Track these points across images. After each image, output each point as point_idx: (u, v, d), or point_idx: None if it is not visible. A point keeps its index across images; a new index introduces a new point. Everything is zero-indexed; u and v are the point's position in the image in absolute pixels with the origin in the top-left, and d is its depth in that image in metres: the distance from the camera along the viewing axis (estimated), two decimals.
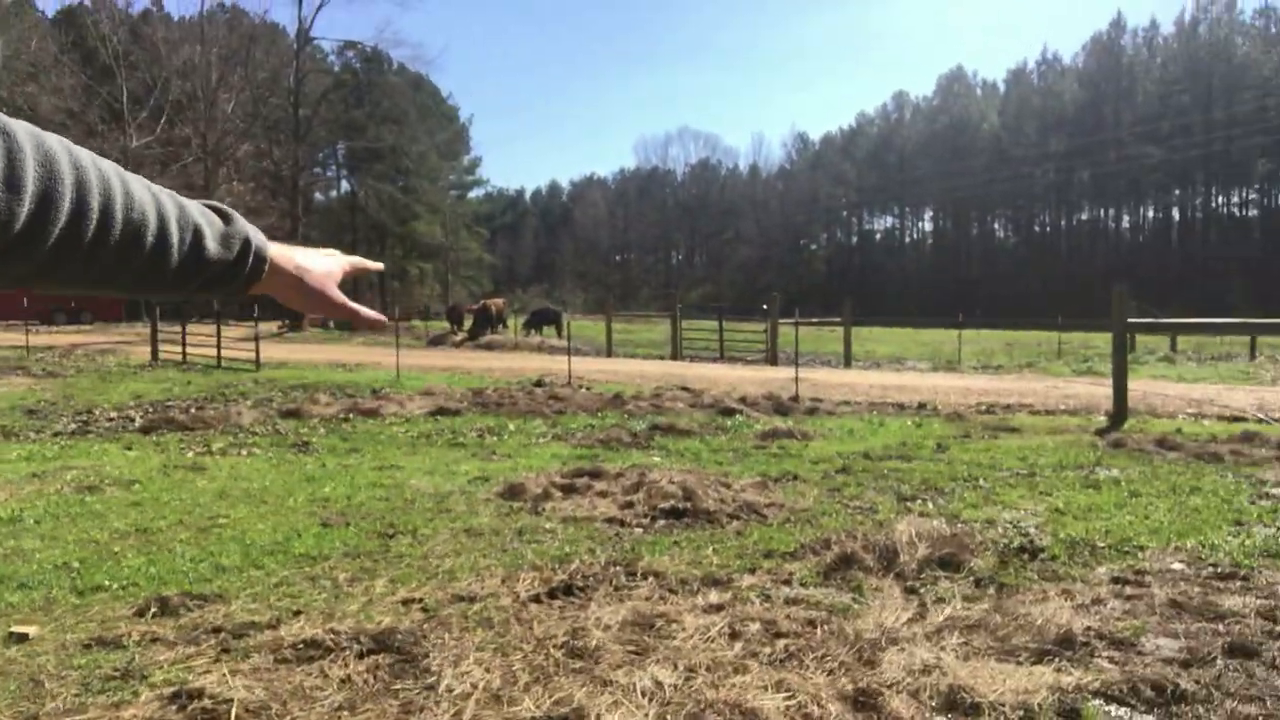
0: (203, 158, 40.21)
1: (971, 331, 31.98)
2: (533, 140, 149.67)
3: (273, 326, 35.75)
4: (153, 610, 3.89)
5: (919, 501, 6.20)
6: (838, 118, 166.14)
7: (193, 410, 11.29)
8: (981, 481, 6.87)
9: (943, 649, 3.39)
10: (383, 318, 1.18)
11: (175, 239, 0.89)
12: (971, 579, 4.35)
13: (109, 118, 41.92)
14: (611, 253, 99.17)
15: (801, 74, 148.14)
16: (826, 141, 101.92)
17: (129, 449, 8.52)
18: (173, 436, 9.38)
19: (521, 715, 2.95)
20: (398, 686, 3.18)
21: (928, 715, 2.90)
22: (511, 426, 9.98)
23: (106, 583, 4.29)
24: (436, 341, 30.24)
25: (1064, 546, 4.97)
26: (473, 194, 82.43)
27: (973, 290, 73.00)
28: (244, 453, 8.50)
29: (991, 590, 4.23)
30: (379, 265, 1.21)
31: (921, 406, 12.06)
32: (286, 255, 1.03)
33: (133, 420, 10.56)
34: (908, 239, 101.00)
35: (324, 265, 1.06)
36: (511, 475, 6.94)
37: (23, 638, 3.50)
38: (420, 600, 4.12)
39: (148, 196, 0.89)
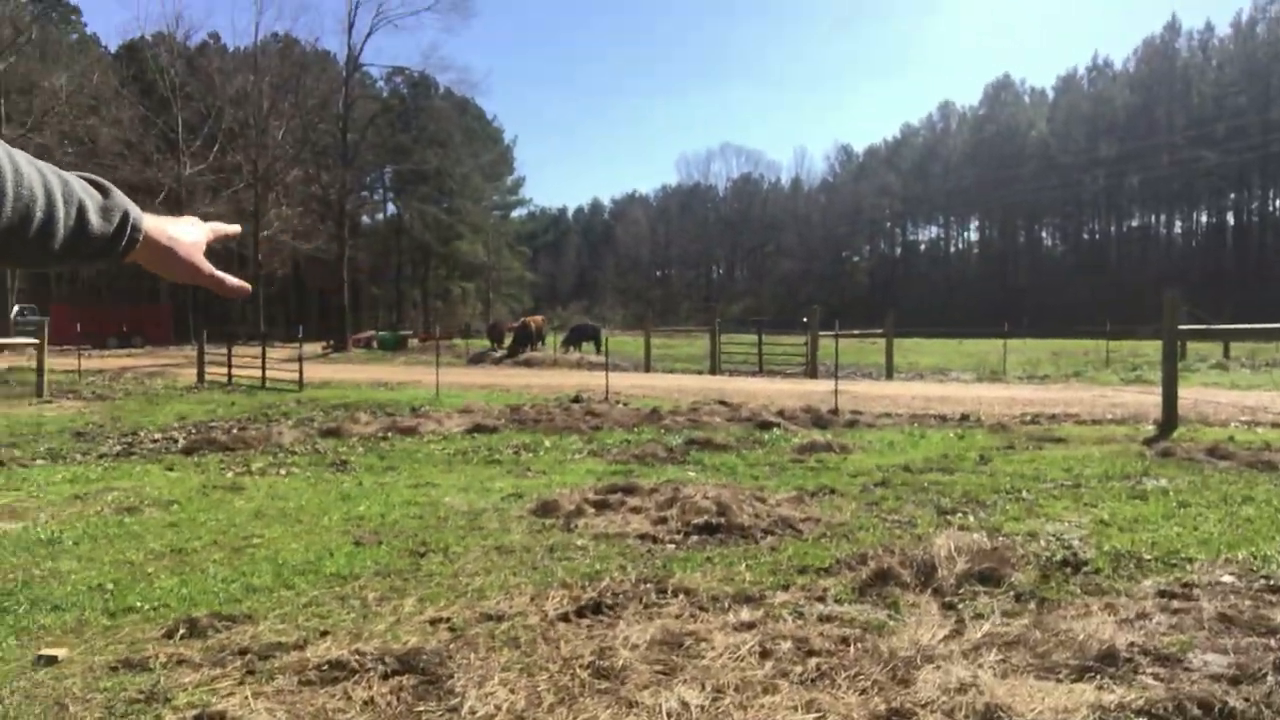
0: (253, 184, 41.14)
1: (1017, 341, 31.40)
2: (575, 159, 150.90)
3: (317, 347, 36.30)
4: (181, 631, 3.89)
5: (959, 515, 6.03)
6: (881, 130, 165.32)
7: (235, 431, 11.42)
8: (1025, 493, 6.68)
9: (980, 667, 3.26)
10: (247, 286, 1.20)
11: (61, 214, 0.92)
12: (1012, 594, 4.20)
13: (164, 147, 43.18)
14: (652, 269, 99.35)
15: (845, 88, 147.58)
16: (870, 153, 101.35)
17: (170, 470, 8.63)
18: (214, 457, 9.48)
19: None
20: (420, 709, 3.13)
21: None
22: (547, 443, 9.96)
23: (138, 604, 4.31)
24: (477, 359, 30.44)
25: (1108, 559, 4.79)
26: (516, 213, 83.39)
27: (1019, 299, 71.80)
28: (283, 472, 8.56)
29: (1032, 605, 4.07)
30: (236, 229, 1.25)
31: (964, 418, 11.81)
32: (159, 227, 1.06)
33: (176, 441, 10.71)
34: (953, 249, 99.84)
35: (192, 235, 1.10)
36: (545, 492, 6.89)
37: (52, 660, 3.51)
38: (448, 619, 4.07)
39: (34, 172, 0.90)
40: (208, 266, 1.10)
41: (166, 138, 43.66)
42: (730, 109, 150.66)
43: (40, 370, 16.90)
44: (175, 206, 42.18)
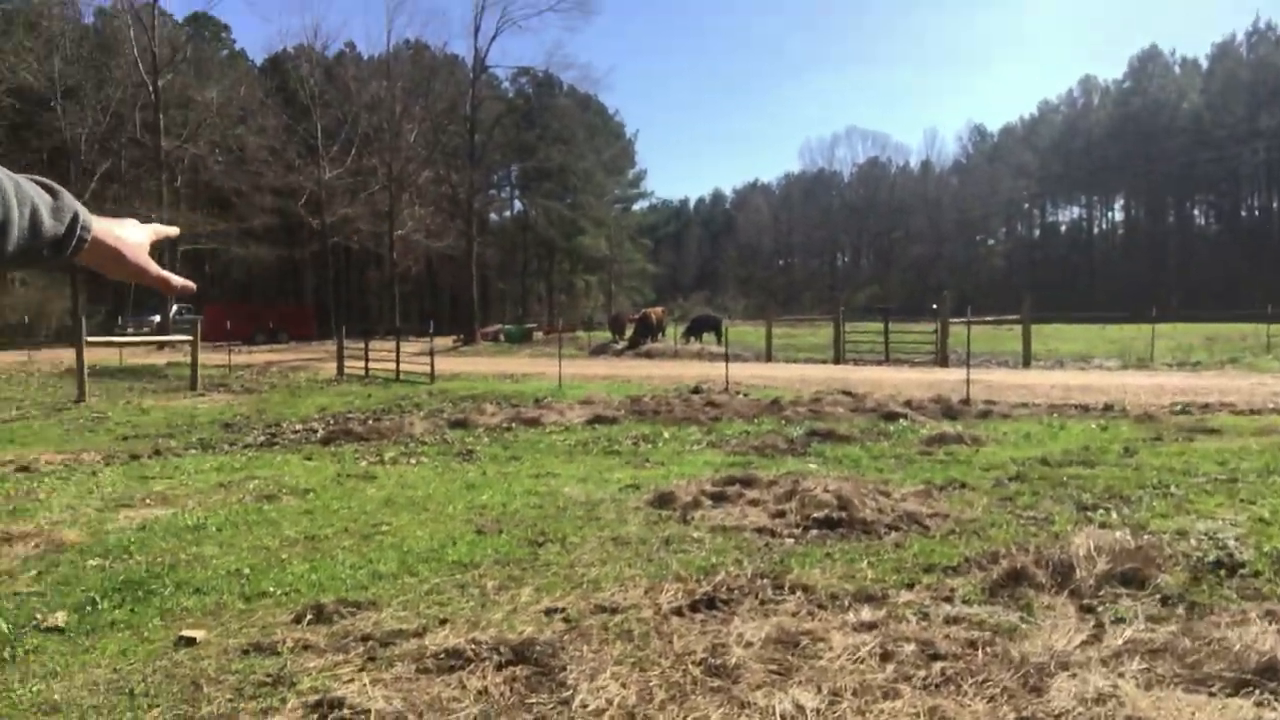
0: (387, 185, 42.83)
1: (1167, 326, 29.44)
2: (696, 150, 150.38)
3: (448, 341, 37.51)
4: (309, 617, 4.03)
5: (1101, 511, 5.65)
6: (1017, 108, 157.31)
7: (370, 422, 11.89)
8: (1174, 489, 6.20)
9: (1121, 676, 3.02)
10: (191, 284, 1.21)
11: (16, 214, 0.94)
12: (1158, 597, 3.88)
13: (305, 153, 45.56)
14: (774, 258, 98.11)
15: (977, 66, 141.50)
16: (1005, 132, 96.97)
17: (308, 459, 9.04)
18: (349, 447, 9.88)
19: None
20: (533, 700, 3.13)
21: None
22: (666, 434, 9.93)
23: (271, 589, 4.50)
24: (599, 351, 30.78)
25: (1269, 561, 4.38)
26: (637, 206, 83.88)
27: (1168, 281, 67.35)
28: (413, 461, 8.83)
29: (1181, 610, 3.75)
30: (174, 230, 1.27)
31: (1108, 408, 11.13)
32: (107, 228, 1.07)
33: (315, 432, 11.23)
34: (1096, 230, 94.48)
35: (137, 237, 1.12)
36: (662, 483, 6.86)
37: (191, 641, 3.70)
38: (563, 610, 4.08)
39: None
40: (154, 267, 1.12)
41: (307, 144, 46.01)
42: (855, 92, 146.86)
43: (194, 366, 18.07)
44: (316, 209, 44.47)
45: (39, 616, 4.08)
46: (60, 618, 4.05)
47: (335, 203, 45.23)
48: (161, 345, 27.44)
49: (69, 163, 44.62)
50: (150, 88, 39.42)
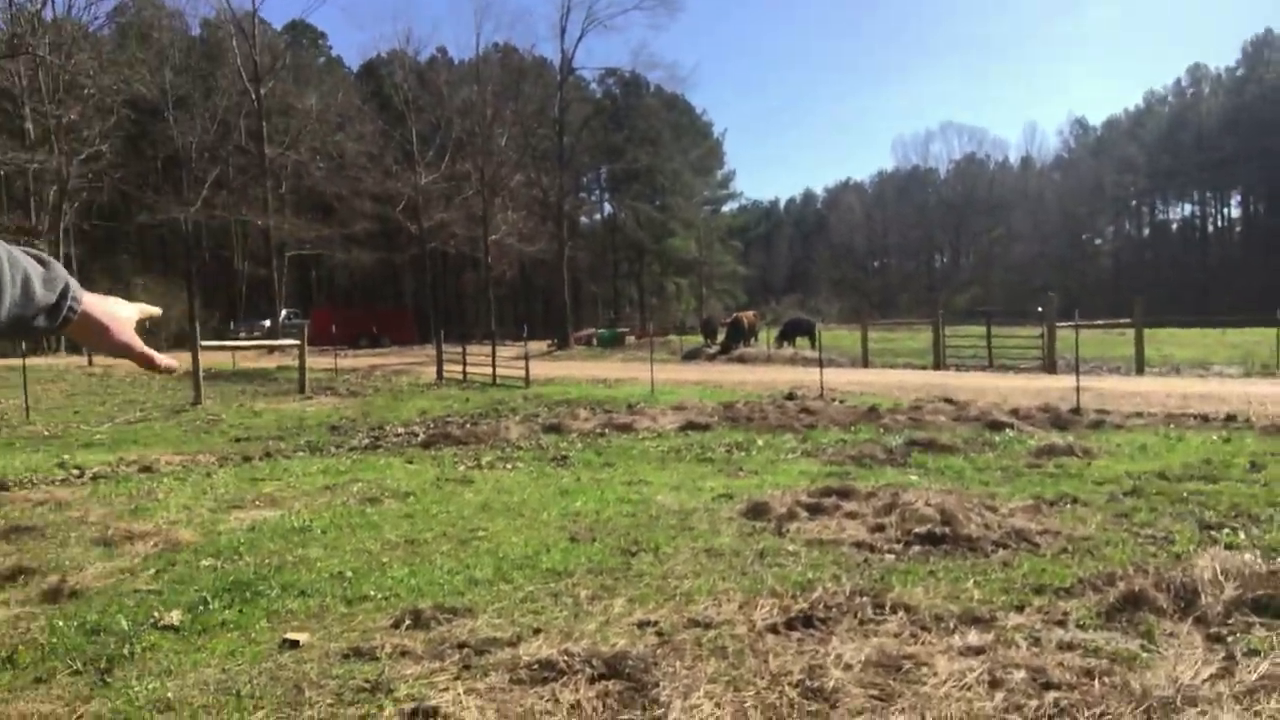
0: (481, 189, 43.66)
1: None
2: (786, 150, 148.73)
3: (542, 345, 38.03)
4: (407, 623, 4.10)
5: (1226, 531, 5.30)
6: (1122, 99, 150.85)
7: (468, 426, 12.12)
8: None
9: (1257, 715, 2.80)
10: (174, 364, 1.26)
11: (9, 282, 0.97)
12: None
13: (401, 158, 46.87)
14: (869, 259, 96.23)
15: (1078, 57, 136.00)
16: (1110, 125, 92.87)
17: (410, 463, 9.25)
18: (448, 451, 10.08)
19: None
20: (625, 717, 3.10)
21: None
22: (760, 442, 9.81)
23: (372, 593, 4.59)
24: (691, 356, 30.71)
25: None
26: (726, 207, 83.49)
27: None
28: (509, 466, 8.94)
29: None
30: (157, 310, 1.30)
31: (1231, 418, 10.50)
32: (96, 302, 1.10)
33: (416, 435, 11.50)
34: (1211, 228, 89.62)
35: (125, 312, 1.15)
36: (756, 493, 6.76)
37: (294, 644, 3.80)
38: (656, 623, 4.04)
39: None
40: (139, 344, 1.15)
41: (403, 149, 47.32)
42: (951, 87, 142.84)
43: (302, 370, 18.77)
44: (413, 214, 45.69)
45: (156, 614, 4.26)
46: (175, 616, 4.22)
47: (431, 208, 46.35)
48: (272, 349, 28.60)
49: (181, 171, 46.99)
50: (253, 95, 41.10)
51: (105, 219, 46.86)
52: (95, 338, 1.11)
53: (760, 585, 4.53)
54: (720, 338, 31.91)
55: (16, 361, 17.87)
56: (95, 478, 8.18)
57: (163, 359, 1.20)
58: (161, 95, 44.22)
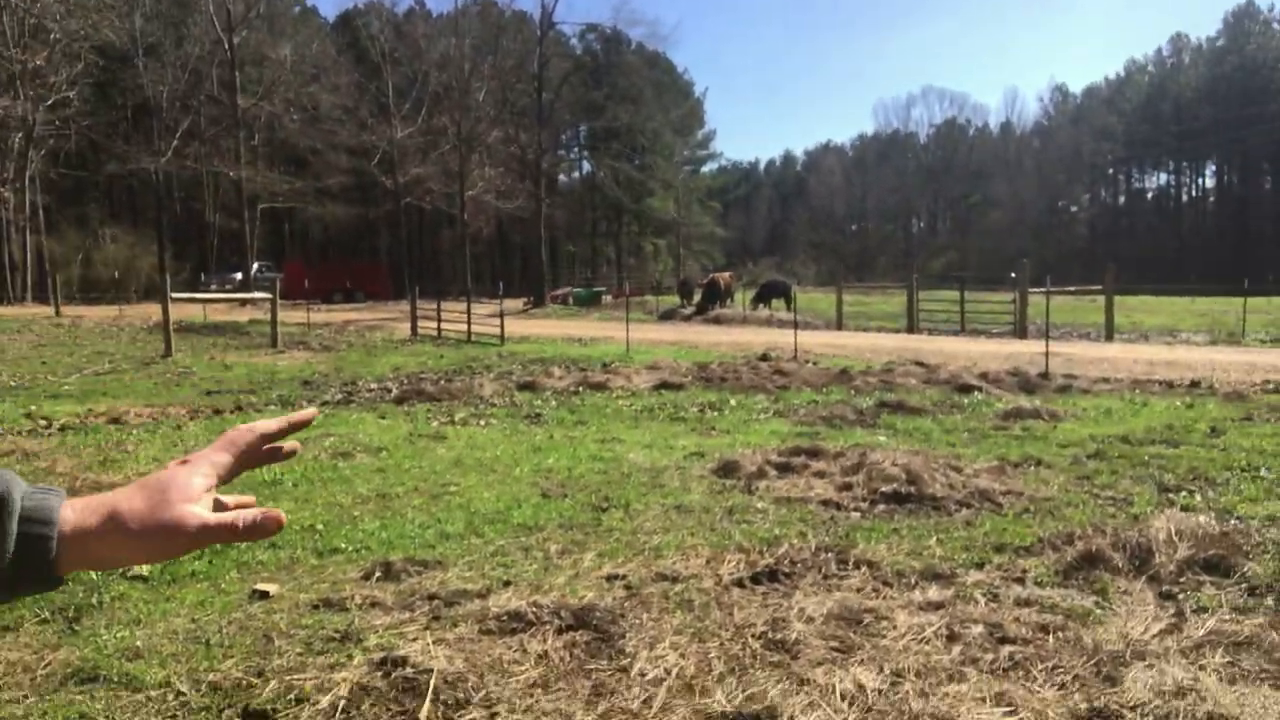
0: (458, 144, 43.09)
1: (1260, 300, 28.08)
2: (767, 111, 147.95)
3: (518, 303, 37.87)
4: (377, 574, 4.13)
5: (1184, 493, 5.43)
6: (1103, 67, 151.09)
7: (442, 382, 12.07)
8: (1264, 471, 5.93)
9: (1202, 668, 2.90)
10: (280, 518, 0.73)
11: None
12: (1244, 586, 3.72)
13: (377, 111, 46.12)
14: (847, 222, 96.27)
15: (1061, 23, 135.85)
16: (1090, 93, 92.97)
17: (383, 418, 9.23)
18: (422, 407, 10.05)
19: (712, 708, 2.83)
20: (592, 666, 3.16)
21: None
22: (733, 402, 9.87)
23: (343, 545, 4.62)
24: (667, 316, 30.72)
25: None
26: (706, 168, 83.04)
27: (1263, 254, 64.12)
28: (482, 423, 8.95)
29: (1270, 601, 3.59)
30: (296, 416, 0.83)
31: (1194, 385, 10.69)
32: (93, 510, 0.70)
33: (389, 391, 11.45)
34: (1185, 197, 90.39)
35: (168, 490, 0.72)
36: (728, 452, 6.82)
37: (265, 595, 3.83)
38: (624, 577, 4.10)
39: None
40: (196, 521, 0.71)
41: (379, 102, 46.57)
42: (932, 50, 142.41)
43: (274, 323, 18.58)
44: (389, 168, 45.07)
45: None
46: (144, 567, 4.22)
47: (407, 162, 45.75)
48: (244, 303, 28.27)
49: (151, 120, 45.95)
50: (226, 45, 40.19)
51: (73, 168, 45.85)
52: (119, 552, 0.71)
53: (728, 541, 4.60)
54: (696, 299, 31.93)
55: None
56: (63, 429, 8.10)
57: (246, 522, 0.72)
58: (131, 42, 43.08)
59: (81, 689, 3.00)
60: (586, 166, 73.38)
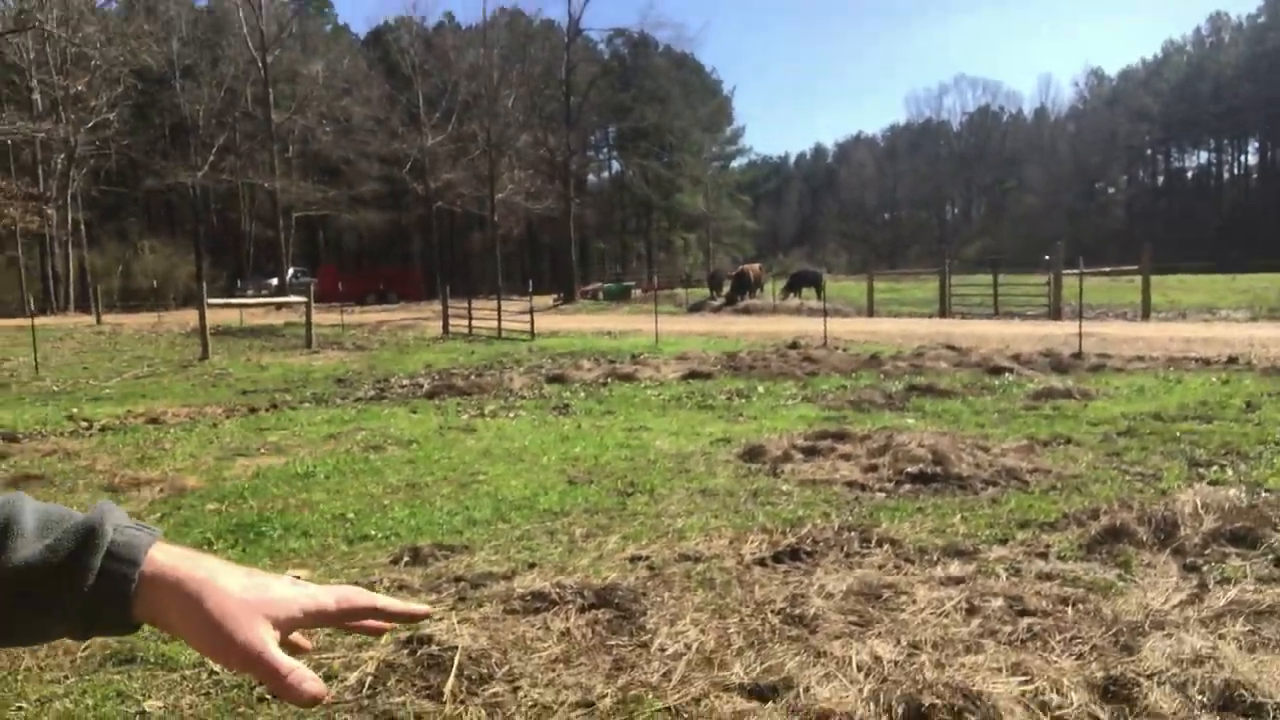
0: (487, 150, 43.40)
1: None
2: (797, 105, 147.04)
3: (548, 300, 38.05)
4: (405, 559, 4.22)
5: (1215, 468, 5.36)
6: (1139, 49, 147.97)
7: (472, 377, 12.21)
8: None
9: (1221, 637, 2.88)
10: (322, 695, 0.66)
11: None
12: (1270, 558, 3.68)
13: (408, 121, 46.67)
14: (879, 212, 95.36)
15: (1096, 8, 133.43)
16: (1125, 76, 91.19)
17: (414, 412, 9.35)
18: (452, 401, 10.17)
19: (730, 680, 2.86)
20: (613, 642, 3.21)
21: (1194, 712, 2.46)
22: (761, 389, 9.87)
23: (373, 533, 4.71)
24: (696, 308, 30.72)
25: None
26: (735, 163, 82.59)
27: None
28: (511, 415, 9.04)
29: None
30: (414, 608, 0.79)
31: (1232, 361, 10.51)
32: (191, 564, 0.67)
33: (421, 386, 11.61)
34: (1226, 175, 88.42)
35: (265, 592, 0.69)
36: (754, 437, 6.84)
37: (297, 580, 3.91)
38: (647, 557, 4.14)
39: None
40: (255, 645, 0.65)
41: (410, 112, 47.12)
42: (964, 39, 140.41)
43: (309, 325, 18.87)
44: (420, 175, 45.56)
45: None
46: None
47: (438, 168, 46.18)
48: (279, 306, 28.69)
49: (188, 137, 46.99)
50: (260, 64, 40.97)
51: (113, 184, 46.96)
52: (185, 622, 0.66)
53: (751, 522, 4.63)
54: (726, 290, 31.88)
55: (26, 321, 18.02)
56: (103, 429, 8.31)
57: (296, 677, 0.65)
58: (168, 65, 44.18)
59: (120, 669, 3.10)
60: (615, 166, 73.50)
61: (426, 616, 0.79)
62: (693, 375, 11.21)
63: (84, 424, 8.62)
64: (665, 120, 64.36)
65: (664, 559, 4.11)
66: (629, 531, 4.61)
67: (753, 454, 6.22)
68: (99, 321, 26.56)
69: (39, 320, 17.84)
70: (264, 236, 47.79)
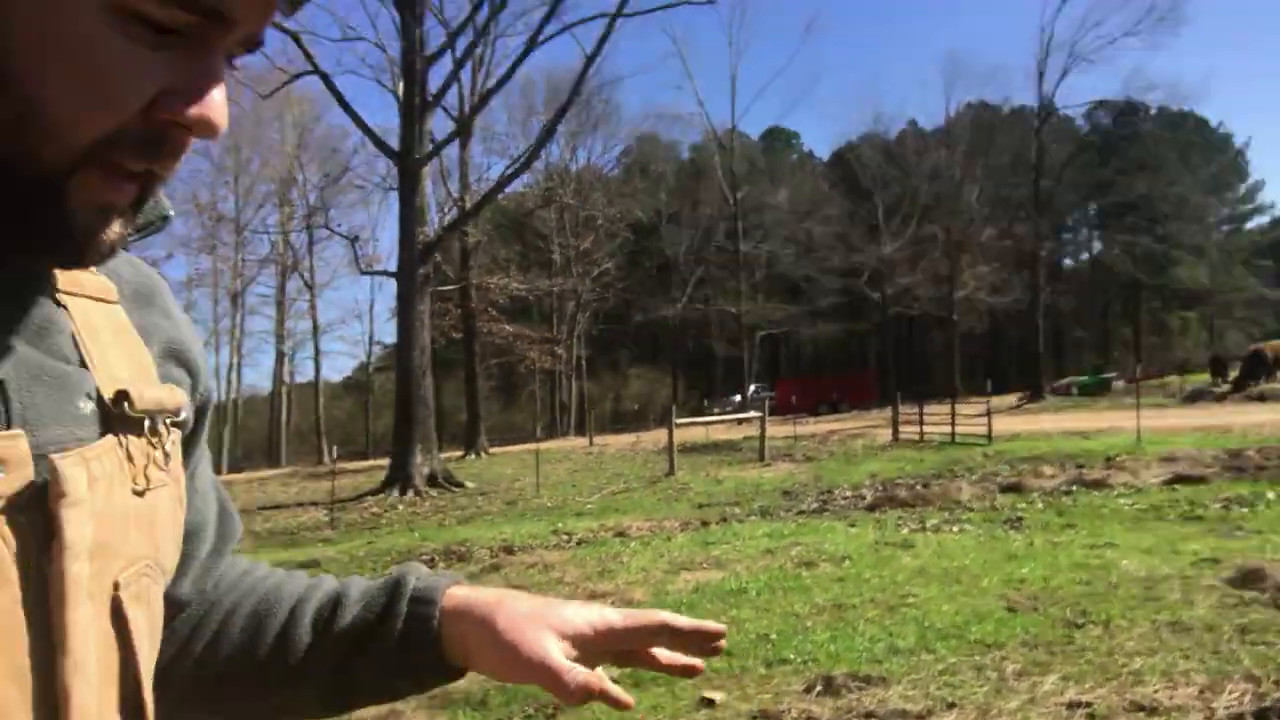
0: (947, 250, 42.83)
1: None
2: None
3: (1011, 399, 35.53)
4: (818, 688, 4.08)
5: None
6: None
7: (917, 487, 11.73)
8: None
9: None
10: (626, 702, 0.68)
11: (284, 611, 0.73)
12: None
13: (866, 232, 48.18)
14: None
15: None
16: None
17: (852, 526, 9.19)
18: (893, 513, 9.84)
19: None
20: None
21: None
22: (1271, 495, 8.09)
23: (791, 656, 4.64)
24: (1193, 398, 26.44)
25: None
26: (1251, 223, 70.94)
27: None
28: (954, 529, 8.47)
29: None
30: (708, 626, 0.73)
31: None
32: (486, 593, 0.72)
33: (863, 498, 11.43)
34: None
35: (555, 609, 0.71)
36: (1253, 557, 5.60)
37: (710, 702, 3.99)
38: (1089, 704, 3.55)
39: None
40: (540, 656, 0.66)
41: (869, 224, 48.55)
42: None
43: (762, 438, 19.75)
44: (877, 283, 46.39)
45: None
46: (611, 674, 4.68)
47: (895, 274, 46.56)
48: (740, 421, 30.51)
49: (670, 274, 53.73)
50: (731, 201, 45.68)
51: (609, 322, 55.03)
52: (483, 651, 0.69)
53: (1233, 667, 3.74)
54: (1234, 374, 27.01)
55: (534, 445, 21.32)
56: (579, 543, 9.40)
57: (578, 680, 0.65)
58: (656, 215, 51.55)
59: None
60: (1097, 246, 67.50)
61: (721, 635, 0.74)
62: (1179, 480, 9.58)
63: (565, 537, 9.84)
64: (1157, 189, 57.61)
65: (1110, 707, 3.48)
66: (1071, 671, 3.99)
67: (1248, 579, 5.07)
68: (590, 443, 30.50)
69: (544, 444, 21.05)
70: (731, 356, 51.85)
